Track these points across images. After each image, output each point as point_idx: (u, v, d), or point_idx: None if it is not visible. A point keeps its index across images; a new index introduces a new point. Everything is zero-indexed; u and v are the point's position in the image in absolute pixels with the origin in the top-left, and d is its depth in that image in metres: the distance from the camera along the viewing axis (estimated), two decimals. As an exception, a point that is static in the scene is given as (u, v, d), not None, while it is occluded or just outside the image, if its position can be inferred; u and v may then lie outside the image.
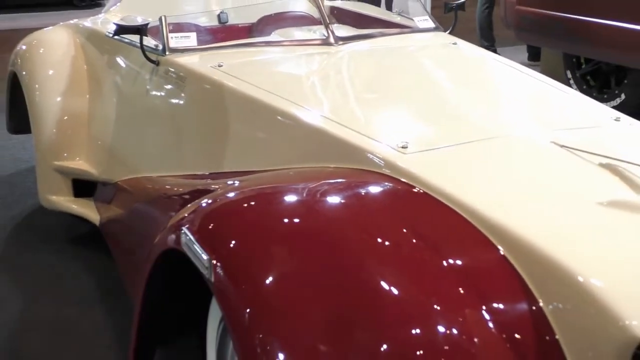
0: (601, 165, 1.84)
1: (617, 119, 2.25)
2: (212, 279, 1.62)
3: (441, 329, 1.47)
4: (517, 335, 1.50)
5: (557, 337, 1.50)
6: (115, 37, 3.12)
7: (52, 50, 3.64)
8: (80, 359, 2.57)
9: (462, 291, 1.54)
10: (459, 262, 1.61)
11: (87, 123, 3.47)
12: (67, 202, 3.46)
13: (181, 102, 2.79)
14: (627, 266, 1.53)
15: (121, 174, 3.10)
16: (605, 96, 5.34)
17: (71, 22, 3.91)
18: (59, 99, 3.48)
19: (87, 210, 3.34)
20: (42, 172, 3.50)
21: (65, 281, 3.11)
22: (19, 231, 3.63)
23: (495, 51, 6.23)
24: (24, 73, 3.61)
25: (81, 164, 3.43)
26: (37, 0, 11.06)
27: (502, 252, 1.62)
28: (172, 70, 2.80)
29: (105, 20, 3.66)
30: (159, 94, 2.93)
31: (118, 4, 3.82)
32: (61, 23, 3.91)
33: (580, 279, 1.48)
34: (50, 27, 3.86)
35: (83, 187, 3.47)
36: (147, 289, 1.97)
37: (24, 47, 3.75)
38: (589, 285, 1.46)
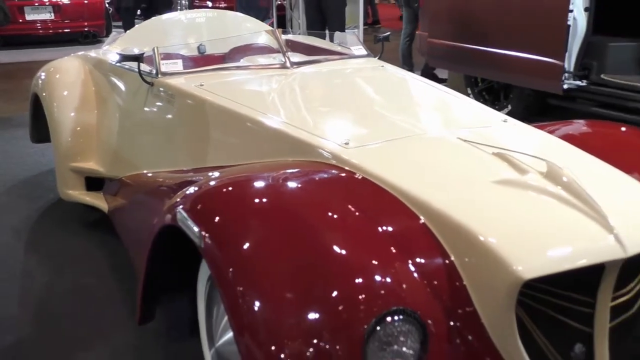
0: (493, 154, 1.84)
1: (505, 121, 2.27)
2: (202, 246, 1.61)
3: (377, 277, 1.47)
4: (434, 282, 1.53)
5: (464, 283, 1.53)
6: (118, 64, 3.09)
7: (66, 75, 3.56)
8: (96, 317, 2.53)
9: (393, 250, 1.55)
10: (390, 228, 1.62)
11: (96, 132, 3.40)
12: (81, 195, 3.40)
13: (171, 113, 2.75)
14: (513, 227, 1.55)
15: (125, 171, 3.05)
16: (497, 107, 5.34)
17: (79, 53, 3.83)
18: (72, 113, 3.41)
19: (98, 201, 3.29)
20: (60, 172, 3.43)
21: (82, 258, 3.06)
22: (43, 219, 3.55)
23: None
24: (44, 94, 3.54)
25: (92, 165, 3.36)
26: (51, 38, 10.82)
27: (422, 221, 1.63)
28: (164, 89, 2.76)
29: (105, 51, 3.60)
30: (153, 108, 2.89)
31: (117, 40, 3.75)
32: (72, 54, 3.83)
33: (481, 238, 1.50)
34: (64, 58, 3.78)
35: (94, 182, 3.41)
36: (150, 258, 1.94)
37: (43, 73, 3.67)
38: (486, 242, 1.49)
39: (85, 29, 11.33)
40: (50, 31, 10.96)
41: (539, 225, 1.55)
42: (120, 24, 9.62)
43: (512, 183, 1.70)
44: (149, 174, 2.81)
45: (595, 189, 1.63)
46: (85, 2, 11.44)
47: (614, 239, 1.49)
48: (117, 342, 2.36)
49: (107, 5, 12.12)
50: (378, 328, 1.40)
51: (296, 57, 3.05)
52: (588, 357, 1.54)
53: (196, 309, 2.01)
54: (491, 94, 5.67)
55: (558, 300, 1.51)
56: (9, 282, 2.84)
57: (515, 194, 1.67)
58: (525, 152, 1.80)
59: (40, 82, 3.63)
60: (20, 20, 10.57)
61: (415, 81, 2.81)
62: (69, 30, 11.19)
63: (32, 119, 3.95)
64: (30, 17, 10.74)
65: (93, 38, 11.17)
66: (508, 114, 4.99)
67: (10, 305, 2.65)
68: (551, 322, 1.51)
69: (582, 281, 1.51)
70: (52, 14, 10.97)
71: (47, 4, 11.01)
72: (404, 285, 1.48)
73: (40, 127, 3.82)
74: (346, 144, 1.96)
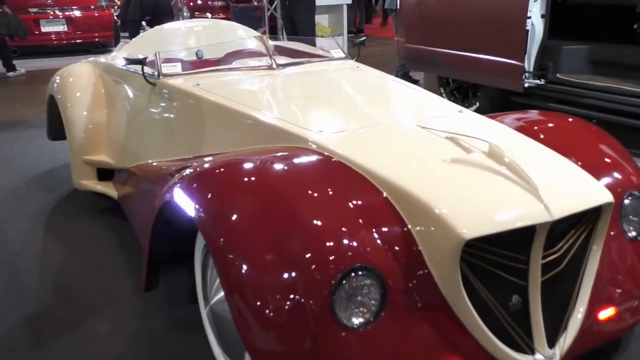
0: (446, 138, 1.93)
1: (461, 111, 2.34)
2: (197, 218, 1.69)
3: (345, 241, 1.56)
4: (395, 248, 1.61)
5: (419, 247, 1.61)
6: (124, 67, 3.19)
7: (79, 78, 3.62)
8: (106, 288, 2.60)
9: (359, 220, 1.63)
10: (358, 202, 1.68)
11: (105, 128, 3.46)
12: (93, 184, 3.47)
13: (172, 110, 2.81)
14: (460, 198, 1.63)
15: (132, 162, 3.11)
16: (466, 104, 5.37)
17: (90, 59, 3.89)
18: (85, 112, 3.48)
19: (108, 189, 3.35)
20: (75, 164, 3.49)
21: (95, 238, 3.12)
22: (59, 207, 3.61)
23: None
24: (59, 95, 3.60)
25: (103, 157, 3.42)
26: (64, 48, 10.86)
27: (384, 195, 1.71)
28: (165, 89, 2.82)
29: (113, 57, 3.66)
30: (156, 105, 2.94)
31: (122, 47, 3.83)
32: (83, 60, 3.89)
33: (432, 208, 1.59)
34: (77, 63, 3.84)
35: (105, 173, 3.47)
36: (153, 232, 2.01)
37: (58, 77, 3.73)
38: (437, 211, 1.58)
39: (96, 40, 11.36)
40: (64, 42, 10.99)
41: (481, 196, 1.65)
42: (127, 34, 9.68)
43: (461, 162, 1.80)
44: (154, 164, 2.87)
45: (530, 166, 1.73)
46: (96, 15, 11.48)
47: (543, 207, 1.60)
48: (125, 308, 2.44)
49: (115, 17, 12.18)
50: (344, 282, 1.51)
51: (282, 60, 3.10)
52: (524, 307, 1.65)
53: (194, 277, 2.09)
54: (461, 92, 5.71)
55: (498, 259, 1.61)
56: (30, 261, 2.91)
57: (462, 171, 1.76)
58: (473, 136, 1.90)
59: (55, 85, 3.69)
60: (37, 32, 10.60)
61: (386, 80, 2.89)
62: (80, 41, 11.21)
63: (48, 119, 4.00)
64: (45, 29, 10.78)
65: (103, 48, 11.19)
66: (476, 110, 5.10)
67: (32, 279, 2.73)
68: (492, 277, 1.62)
69: (518, 242, 1.61)
70: (66, 26, 11.02)
71: (60, 17, 11.06)
72: (368, 248, 1.58)
73: (55, 126, 3.87)
74: (321, 131, 2.05)
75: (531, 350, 1.65)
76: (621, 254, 1.93)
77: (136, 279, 2.65)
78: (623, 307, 1.87)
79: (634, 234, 1.97)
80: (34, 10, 10.66)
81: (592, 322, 1.77)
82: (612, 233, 1.88)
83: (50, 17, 10.91)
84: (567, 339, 1.70)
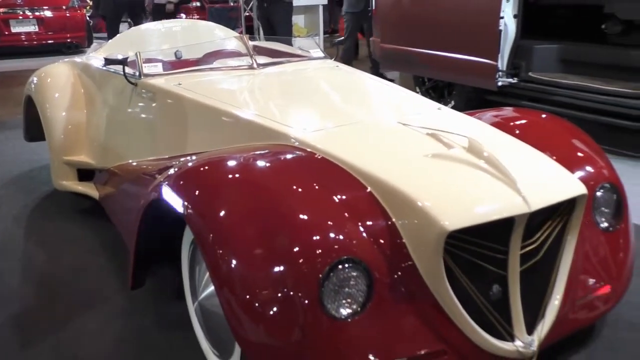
0: (427, 134, 1.97)
1: (439, 109, 2.40)
2: (186, 214, 1.71)
3: (331, 234, 1.59)
4: (380, 240, 1.65)
5: (404, 240, 1.65)
6: (105, 67, 3.19)
7: (57, 79, 3.59)
8: (91, 288, 2.59)
9: (346, 215, 1.66)
10: (343, 197, 1.71)
11: (85, 129, 3.43)
12: (74, 185, 3.45)
13: (153, 109, 2.81)
14: (441, 191, 1.68)
15: (113, 162, 3.09)
16: (442, 102, 5.24)
17: (67, 59, 3.86)
18: (64, 113, 3.45)
19: (89, 189, 3.33)
20: (55, 165, 3.47)
21: (76, 239, 3.11)
22: (39, 208, 3.59)
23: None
24: (37, 96, 3.56)
25: (83, 158, 3.40)
26: (35, 49, 10.73)
27: (369, 190, 1.75)
28: (146, 89, 2.82)
29: (89, 57, 3.65)
30: (137, 105, 2.94)
31: (99, 48, 3.79)
32: (61, 61, 3.85)
33: (416, 201, 1.63)
34: (54, 63, 3.80)
35: (85, 173, 3.45)
36: (140, 230, 2.02)
37: (35, 78, 3.69)
38: (420, 204, 1.62)
39: (68, 40, 11.26)
40: (35, 42, 10.87)
41: (462, 190, 1.70)
42: (101, 35, 9.59)
43: (442, 157, 1.85)
44: (136, 163, 2.86)
45: (508, 160, 1.79)
46: (67, 15, 11.36)
47: (521, 199, 1.67)
48: (111, 307, 2.43)
49: (87, 18, 12.04)
50: (331, 274, 1.54)
51: (262, 60, 3.12)
52: (504, 296, 1.71)
53: (180, 277, 2.11)
54: (436, 91, 5.78)
55: (479, 249, 1.67)
56: (12, 262, 2.89)
57: (444, 165, 1.81)
58: (453, 132, 1.95)
59: (33, 86, 3.66)
60: (6, 33, 10.46)
61: (365, 79, 2.93)
62: (52, 41, 11.09)
63: (25, 120, 3.96)
64: (15, 29, 10.64)
65: (75, 48, 11.10)
66: (452, 108, 5.19)
67: (15, 280, 2.71)
68: (474, 267, 1.67)
69: (498, 233, 1.67)
70: (36, 27, 10.89)
71: (31, 17, 10.92)
72: (354, 241, 1.61)
73: (32, 127, 3.84)
74: (305, 129, 2.08)
75: (511, 337, 1.71)
76: (594, 244, 2.01)
77: (121, 278, 2.65)
78: (596, 295, 1.94)
79: (605, 225, 2.05)
80: (3, 10, 10.52)
81: (568, 309, 1.84)
82: (585, 224, 1.95)
83: (20, 17, 10.77)
84: (544, 326, 1.76)
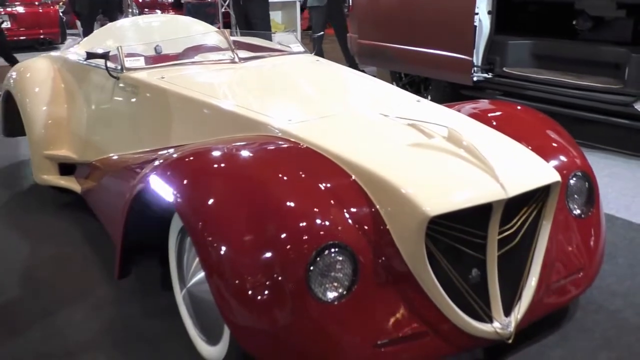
0: (408, 125, 2.03)
1: (419, 101, 2.46)
2: (175, 203, 1.74)
3: (317, 221, 1.63)
4: (365, 226, 1.70)
5: (387, 227, 1.70)
6: (85, 62, 3.18)
7: (37, 73, 3.57)
8: (76, 280, 2.60)
9: (331, 202, 1.70)
10: (328, 185, 1.75)
11: (66, 123, 3.42)
12: (55, 179, 3.43)
13: (136, 103, 2.81)
14: (423, 179, 1.73)
15: (95, 155, 3.09)
16: None
17: (45, 54, 3.83)
18: (44, 107, 3.44)
19: (71, 183, 3.33)
20: (35, 160, 3.45)
21: (59, 232, 3.10)
22: (20, 203, 3.57)
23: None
24: (17, 91, 3.54)
25: (64, 152, 3.39)
26: (10, 45, 10.50)
27: (353, 178, 1.79)
28: (128, 82, 2.83)
29: (67, 52, 3.64)
30: (119, 99, 2.94)
31: (75, 44, 3.78)
32: (41, 55, 3.82)
33: (398, 188, 1.68)
34: (33, 58, 3.78)
35: (66, 168, 3.44)
36: (127, 221, 2.04)
37: (14, 73, 3.66)
38: (402, 191, 1.67)
39: (41, 36, 11.11)
40: (7, 38, 10.67)
41: (443, 177, 1.76)
42: (74, 31, 9.47)
43: (423, 146, 1.90)
44: (118, 157, 2.87)
45: (486, 149, 1.86)
46: (40, 11, 11.21)
47: (499, 186, 1.73)
48: (97, 297, 2.45)
49: (61, 14, 11.88)
50: (318, 259, 1.59)
51: (243, 54, 3.14)
52: (482, 279, 1.77)
53: (166, 269, 2.13)
54: (413, 86, 5.84)
55: (459, 234, 1.73)
56: (-7, 255, 2.87)
57: (425, 154, 1.87)
58: (433, 122, 2.01)
59: (12, 80, 3.63)
60: (-22, 29, 10.26)
61: (345, 72, 2.97)
62: (25, 37, 10.95)
63: (3, 115, 3.93)
64: (-13, 25, 10.45)
65: (49, 45, 10.96)
66: (428, 103, 5.25)
67: (-2, 273, 2.69)
68: (454, 252, 1.73)
69: (477, 219, 1.73)
70: (8, 23, 10.72)
71: (2, 13, 10.75)
72: (339, 227, 1.66)
73: (11, 122, 3.81)
74: (289, 120, 2.13)
75: (489, 319, 1.77)
76: (567, 230, 2.08)
77: (105, 270, 2.66)
78: (569, 279, 2.02)
79: (578, 211, 2.13)
80: (-26, 6, 10.33)
81: (543, 292, 1.91)
82: (559, 210, 2.02)
83: (-7, 13, 10.58)
84: (521, 308, 1.83)
